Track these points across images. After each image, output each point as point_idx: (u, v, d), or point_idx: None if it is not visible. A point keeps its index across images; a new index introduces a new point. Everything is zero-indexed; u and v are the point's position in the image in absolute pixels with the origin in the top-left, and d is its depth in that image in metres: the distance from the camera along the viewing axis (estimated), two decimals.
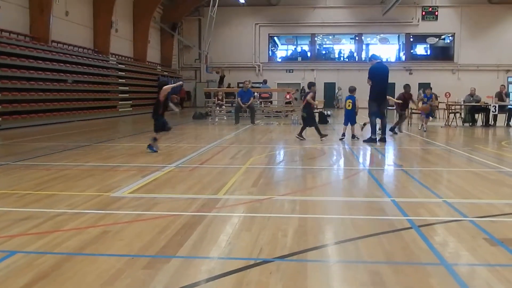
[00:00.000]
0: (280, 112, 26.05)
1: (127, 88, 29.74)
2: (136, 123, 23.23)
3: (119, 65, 29.06)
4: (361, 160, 10.38)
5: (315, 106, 14.10)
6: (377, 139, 12.77)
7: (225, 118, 24.17)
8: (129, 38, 32.86)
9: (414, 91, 37.32)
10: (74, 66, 23.24)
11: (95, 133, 16.72)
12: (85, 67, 24.43)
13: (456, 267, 3.83)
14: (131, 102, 30.18)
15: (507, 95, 20.65)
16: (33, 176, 7.84)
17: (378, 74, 12.96)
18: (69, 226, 4.91)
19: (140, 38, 33.77)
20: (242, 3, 38.24)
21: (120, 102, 28.73)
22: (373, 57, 14.25)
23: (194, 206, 5.76)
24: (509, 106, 20.35)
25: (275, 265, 3.86)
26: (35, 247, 4.28)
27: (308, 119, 13.63)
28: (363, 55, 41.53)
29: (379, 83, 12.91)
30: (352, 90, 13.84)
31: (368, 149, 11.73)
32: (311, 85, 14.07)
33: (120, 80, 28.91)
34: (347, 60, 42.90)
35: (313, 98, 13.68)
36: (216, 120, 23.27)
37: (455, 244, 4.42)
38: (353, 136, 13.55)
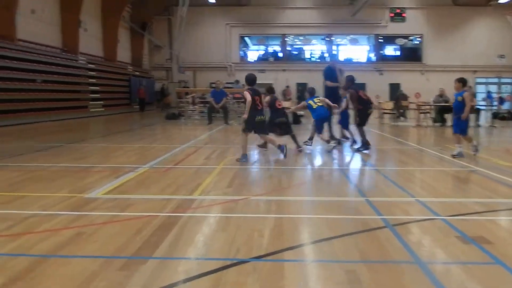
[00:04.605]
0: None
1: (98, 88, 29.39)
2: (108, 123, 22.98)
3: (89, 65, 28.71)
4: (335, 160, 10.44)
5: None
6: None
7: (198, 118, 24.08)
8: (98, 37, 32.43)
9: (385, 92, 37.99)
10: (42, 65, 22.89)
11: (66, 133, 16.50)
12: (54, 66, 24.08)
13: (430, 265, 3.89)
14: (102, 102, 29.85)
15: (475, 95, 21.04)
16: (4, 177, 7.71)
17: None
18: (42, 228, 4.83)
19: (110, 37, 33.35)
20: (212, 2, 38.15)
21: (91, 102, 28.42)
22: None
23: (170, 207, 5.73)
24: (477, 107, 20.73)
25: (252, 265, 3.87)
26: (7, 249, 4.21)
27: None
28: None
29: None
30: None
31: (342, 149, 11.80)
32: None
33: (90, 80, 28.56)
34: (318, 60, 43.15)
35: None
36: (189, 120, 23.18)
37: (428, 242, 4.50)
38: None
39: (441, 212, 5.50)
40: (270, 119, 11.20)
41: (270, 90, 11.95)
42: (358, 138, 11.51)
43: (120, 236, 4.58)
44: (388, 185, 7.37)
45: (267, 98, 11.39)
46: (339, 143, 12.01)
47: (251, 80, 9.71)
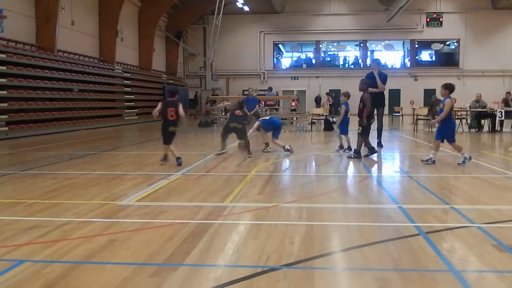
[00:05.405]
0: (286, 119, 26.07)
1: (133, 96, 29.84)
2: (142, 131, 23.27)
3: (125, 74, 29.21)
4: (367, 167, 10.34)
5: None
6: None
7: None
8: (134, 47, 33.01)
9: (419, 97, 37.49)
10: (80, 75, 23.37)
11: (101, 141, 16.77)
12: (91, 76, 24.53)
13: (464, 273, 3.81)
14: (136, 110, 30.27)
15: None
16: (40, 185, 7.87)
17: None
18: (76, 235, 4.92)
19: (146, 46, 33.93)
20: (247, 11, 38.35)
21: (125, 111, 28.86)
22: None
23: (201, 214, 5.76)
24: None
25: (282, 272, 3.85)
26: (42, 256, 4.29)
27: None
28: (368, 62, 41.41)
29: None
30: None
31: (373, 156, 11.65)
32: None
33: (125, 88, 29.02)
34: (352, 66, 42.92)
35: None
36: (222, 127, 23.27)
37: (463, 250, 4.40)
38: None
39: (477, 220, 5.39)
40: (226, 124, 12.20)
41: (239, 105, 13.13)
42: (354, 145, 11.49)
43: (151, 243, 4.63)
44: (421, 192, 7.26)
45: (227, 103, 12.59)
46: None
47: (171, 92, 10.68)
